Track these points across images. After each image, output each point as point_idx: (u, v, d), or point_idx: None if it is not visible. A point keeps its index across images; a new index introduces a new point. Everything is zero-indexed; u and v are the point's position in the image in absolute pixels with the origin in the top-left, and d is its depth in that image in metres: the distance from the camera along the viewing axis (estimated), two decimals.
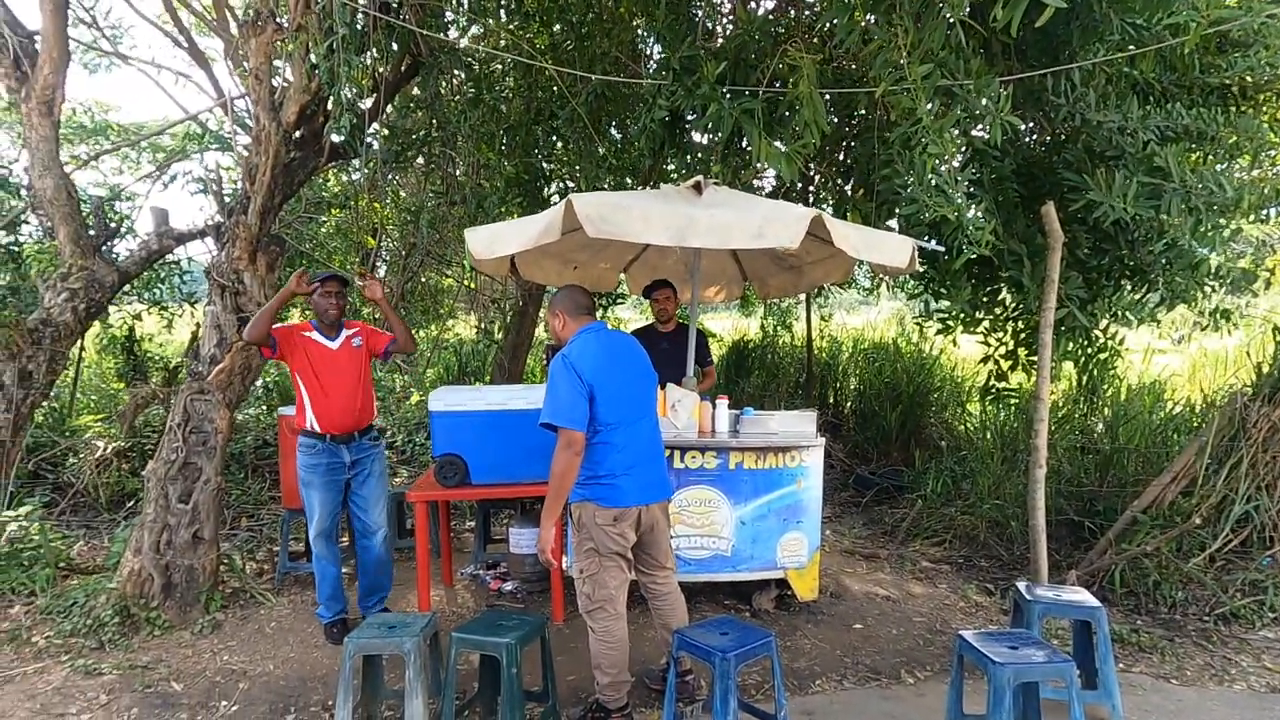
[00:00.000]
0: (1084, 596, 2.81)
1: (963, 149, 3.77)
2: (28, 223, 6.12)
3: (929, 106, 3.17)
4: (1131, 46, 3.68)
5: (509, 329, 6.91)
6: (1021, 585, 2.93)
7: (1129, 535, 4.04)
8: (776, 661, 2.55)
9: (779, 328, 8.76)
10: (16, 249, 5.80)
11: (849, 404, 7.45)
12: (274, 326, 3.33)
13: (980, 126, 3.60)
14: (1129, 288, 4.26)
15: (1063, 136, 4.26)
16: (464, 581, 4.21)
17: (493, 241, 3.12)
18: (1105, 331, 4.28)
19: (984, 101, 3.25)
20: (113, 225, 4.80)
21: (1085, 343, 4.30)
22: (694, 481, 3.55)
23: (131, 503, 5.01)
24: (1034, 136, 4.47)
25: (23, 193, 5.85)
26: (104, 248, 4.43)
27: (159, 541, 3.52)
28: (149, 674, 3.07)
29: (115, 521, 4.77)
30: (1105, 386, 5.32)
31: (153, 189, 7.25)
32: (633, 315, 10.82)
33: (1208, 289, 4.07)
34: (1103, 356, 4.32)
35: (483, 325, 8.98)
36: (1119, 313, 4.35)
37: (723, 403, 3.77)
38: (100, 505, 5.06)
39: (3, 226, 5.48)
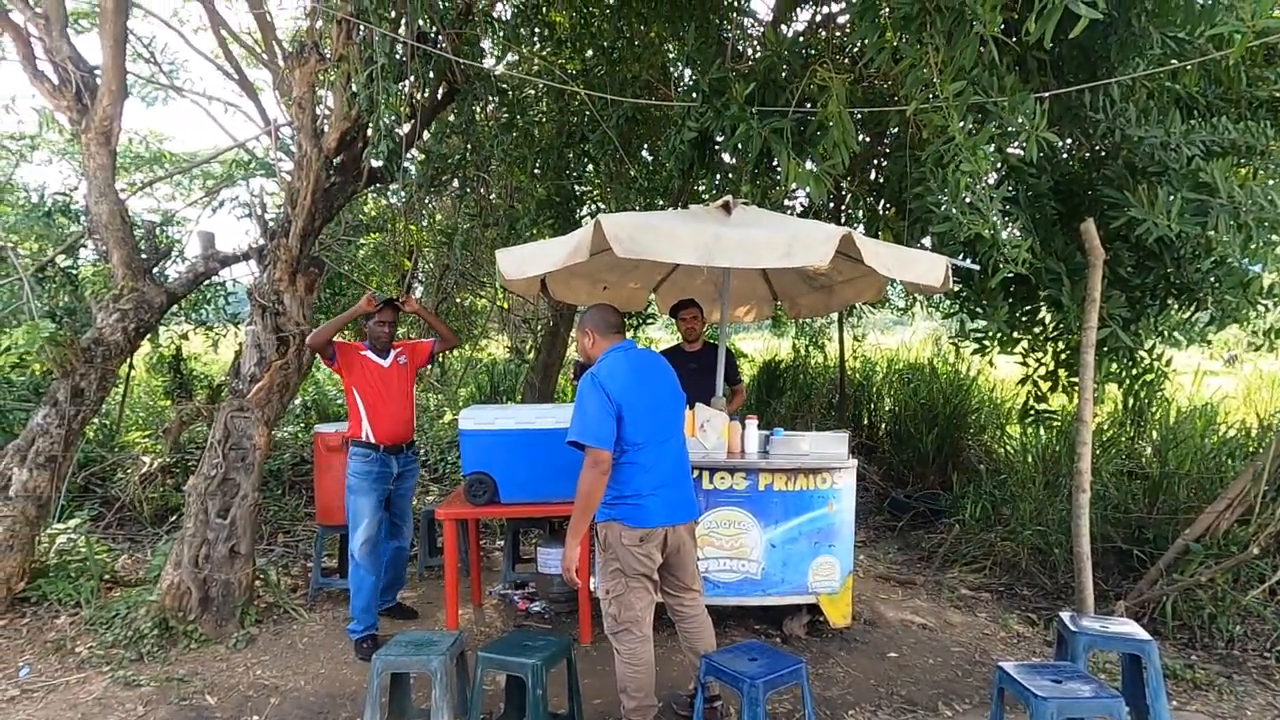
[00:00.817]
0: (1133, 628, 2.68)
1: (997, 166, 3.71)
2: (85, 247, 6.41)
3: (961, 124, 3.13)
4: (1173, 60, 3.60)
5: (540, 349, 6.97)
6: (1065, 615, 2.82)
7: (1181, 565, 3.86)
8: (807, 689, 2.48)
9: (811, 348, 8.67)
10: (74, 272, 6.07)
11: (884, 426, 7.32)
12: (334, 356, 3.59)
13: (1016, 144, 3.55)
14: (1176, 307, 4.11)
15: (1102, 152, 4.17)
16: (492, 600, 4.21)
17: (523, 262, 3.17)
18: (1151, 352, 4.13)
19: (1019, 118, 3.20)
20: (163, 248, 4.98)
21: (1130, 364, 4.15)
22: (723, 503, 3.51)
23: (174, 517, 5.14)
24: (1072, 153, 4.38)
25: (82, 219, 6.14)
26: (154, 270, 4.60)
27: (197, 556, 3.61)
28: (185, 686, 3.13)
29: (159, 535, 4.90)
30: (1153, 409, 5.13)
31: (203, 214, 7.55)
32: (663, 335, 10.82)
33: (1260, 308, 3.92)
34: (1149, 378, 4.16)
35: (515, 345, 9.08)
36: (1165, 332, 4.20)
37: (752, 423, 3.73)
38: (144, 519, 5.21)
39: (63, 250, 5.75)
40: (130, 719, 2.90)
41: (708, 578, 3.46)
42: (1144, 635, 2.62)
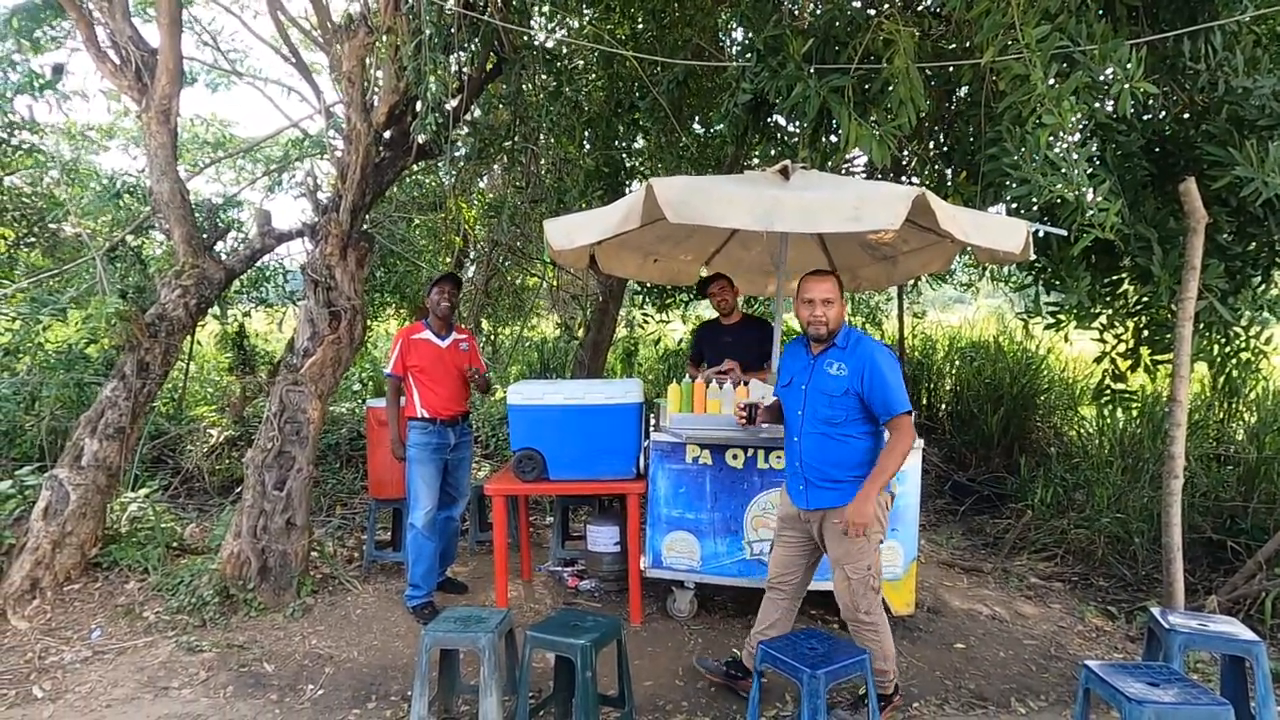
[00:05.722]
0: (1237, 628, 2.43)
1: (1083, 121, 3.41)
2: (154, 227, 6.63)
3: (1043, 73, 2.86)
4: None
5: (590, 326, 6.90)
6: (1156, 611, 2.59)
7: None
8: (871, 682, 2.35)
9: (868, 325, 8.37)
10: (143, 251, 6.27)
11: (944, 406, 7.01)
12: (392, 366, 3.69)
13: (1104, 99, 3.24)
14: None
15: (1201, 107, 3.79)
16: (542, 577, 4.19)
17: (572, 232, 3.06)
18: (1247, 329, 3.77)
19: (1110, 69, 2.91)
20: (223, 226, 5.09)
21: (1224, 340, 3.80)
22: (779, 483, 3.36)
23: (239, 488, 5.29)
24: (1166, 108, 4.00)
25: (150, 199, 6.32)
26: (214, 247, 4.70)
27: (256, 526, 3.68)
28: (244, 653, 3.20)
29: (224, 505, 5.06)
30: (1247, 390, 4.72)
31: (265, 198, 7.73)
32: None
33: None
34: (1245, 356, 3.81)
35: (564, 322, 9.04)
36: (1266, 306, 3.82)
37: None
38: (212, 489, 5.39)
39: (131, 230, 5.95)
40: (193, 683, 2.98)
41: (762, 560, 3.34)
42: (1250, 635, 2.38)
